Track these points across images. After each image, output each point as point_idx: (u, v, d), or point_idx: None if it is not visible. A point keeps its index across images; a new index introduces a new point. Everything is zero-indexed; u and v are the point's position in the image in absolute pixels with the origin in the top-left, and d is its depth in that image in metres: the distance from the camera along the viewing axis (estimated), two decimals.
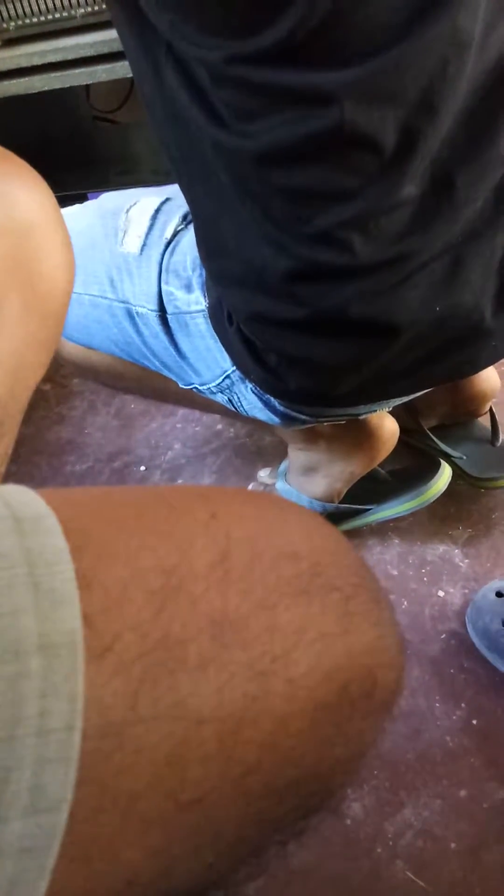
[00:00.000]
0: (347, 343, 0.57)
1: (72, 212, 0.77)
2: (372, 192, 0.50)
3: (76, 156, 1.32)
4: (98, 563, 0.26)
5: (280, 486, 0.86)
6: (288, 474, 0.86)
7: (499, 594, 0.74)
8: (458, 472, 0.85)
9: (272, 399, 0.67)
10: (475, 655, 0.74)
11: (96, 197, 1.21)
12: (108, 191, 1.20)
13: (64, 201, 1.26)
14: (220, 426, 1.06)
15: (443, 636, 0.76)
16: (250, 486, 0.93)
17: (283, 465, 0.88)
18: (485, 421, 0.89)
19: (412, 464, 0.86)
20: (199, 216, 0.61)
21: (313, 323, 0.57)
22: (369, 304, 0.55)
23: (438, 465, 0.80)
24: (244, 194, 0.54)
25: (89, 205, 0.77)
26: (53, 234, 0.42)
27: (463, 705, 0.71)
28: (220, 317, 0.64)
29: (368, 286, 0.54)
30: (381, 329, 0.56)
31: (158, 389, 0.80)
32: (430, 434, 0.86)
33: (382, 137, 0.47)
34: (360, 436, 0.75)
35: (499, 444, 0.86)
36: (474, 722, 0.70)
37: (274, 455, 0.99)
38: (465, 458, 0.86)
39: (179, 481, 1.00)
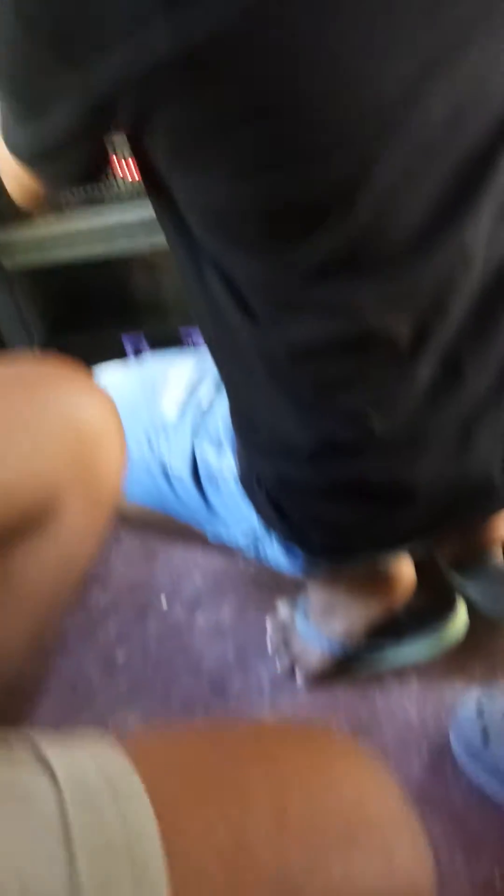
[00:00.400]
0: (367, 506, 0.63)
1: (116, 378, 0.84)
2: (388, 378, 0.56)
3: (111, 296, 1.41)
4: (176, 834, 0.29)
5: (300, 624, 0.90)
6: (307, 612, 0.89)
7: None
8: (473, 610, 0.89)
9: (296, 550, 0.71)
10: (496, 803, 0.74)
11: (129, 338, 1.31)
12: (140, 331, 1.31)
13: (99, 341, 1.36)
14: (239, 558, 1.10)
15: (464, 785, 0.77)
16: (268, 619, 0.96)
17: (301, 599, 0.92)
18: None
19: (428, 599, 0.89)
20: (230, 391, 0.68)
21: (336, 489, 0.63)
22: (387, 472, 0.61)
23: (454, 605, 0.83)
24: (273, 379, 0.60)
25: (132, 369, 0.85)
26: (115, 440, 0.49)
27: (485, 858, 0.71)
28: (250, 480, 0.69)
29: (385, 457, 0.60)
30: (398, 493, 0.62)
31: (185, 534, 0.85)
32: (446, 570, 0.90)
33: (398, 335, 0.54)
34: (379, 580, 0.79)
35: None
36: (497, 874, 0.70)
37: (293, 587, 1.03)
38: (480, 593, 0.89)
39: (198, 614, 1.04)
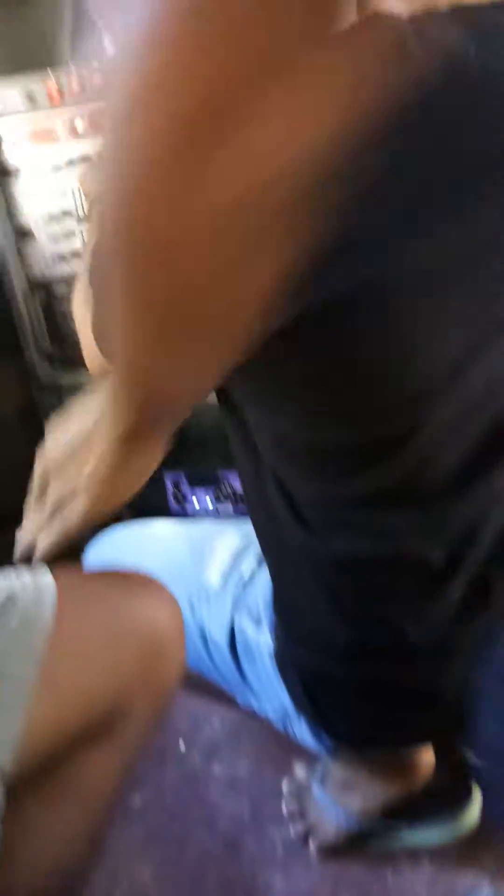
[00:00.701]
0: (395, 706, 0.68)
1: (169, 535, 0.92)
2: (422, 595, 0.63)
3: None
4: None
5: (316, 792, 0.92)
6: (325, 782, 0.92)
7: None
8: None
9: (323, 734, 0.76)
10: None
11: (171, 476, 1.40)
12: (181, 471, 1.39)
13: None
14: None
15: None
16: (285, 781, 0.98)
17: (319, 766, 0.95)
18: None
19: (446, 783, 0.91)
20: (275, 579, 0.74)
21: (366, 688, 0.68)
22: (415, 677, 0.66)
23: (470, 793, 0.86)
24: (318, 581, 0.67)
25: (183, 528, 0.92)
26: (178, 646, 0.55)
27: None
28: (285, 662, 0.75)
29: (415, 664, 0.65)
30: (424, 697, 0.67)
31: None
32: (465, 751, 0.93)
33: (433, 559, 0.61)
34: (399, 764, 0.83)
35: None
36: None
37: (311, 751, 1.05)
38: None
39: (215, 765, 1.06)
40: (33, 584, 0.51)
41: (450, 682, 0.66)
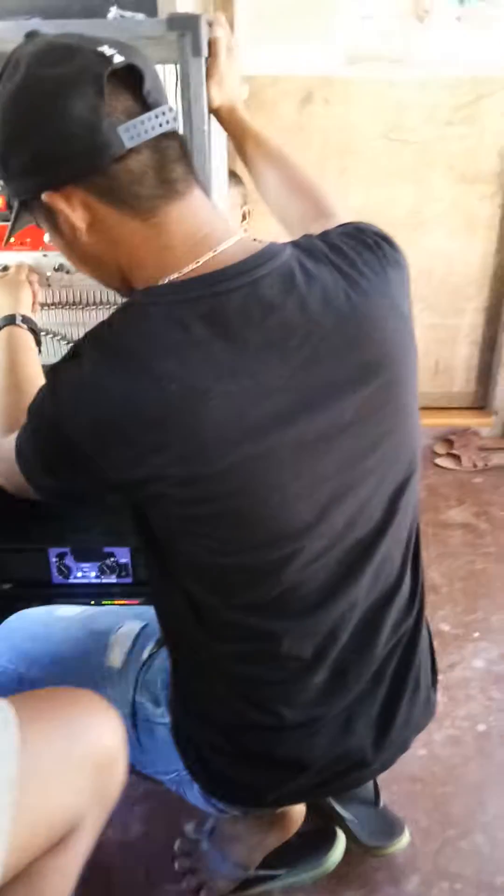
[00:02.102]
0: (273, 773, 0.81)
1: (70, 619, 1.00)
2: (295, 681, 0.77)
3: (41, 513, 1.56)
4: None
5: (205, 846, 1.03)
6: (213, 837, 1.03)
7: None
8: (349, 834, 1.06)
9: (213, 797, 0.88)
10: None
11: (54, 552, 1.46)
12: (65, 548, 1.46)
13: (23, 553, 1.49)
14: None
15: None
16: (178, 841, 1.08)
17: (208, 824, 1.06)
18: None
19: (313, 827, 1.05)
20: (175, 665, 0.86)
21: (249, 756, 0.81)
22: (289, 748, 0.80)
23: (335, 836, 1.01)
24: (211, 669, 0.80)
25: (82, 616, 1.01)
26: (123, 758, 0.64)
27: None
28: (180, 736, 0.86)
29: (289, 737, 0.79)
30: (295, 765, 0.81)
31: None
32: (328, 803, 1.08)
33: (304, 656, 0.76)
34: (276, 817, 0.96)
35: (380, 806, 1.09)
36: None
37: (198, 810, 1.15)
38: (355, 820, 1.07)
39: (110, 830, 1.13)
40: None
41: (316, 753, 0.80)
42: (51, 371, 0.70)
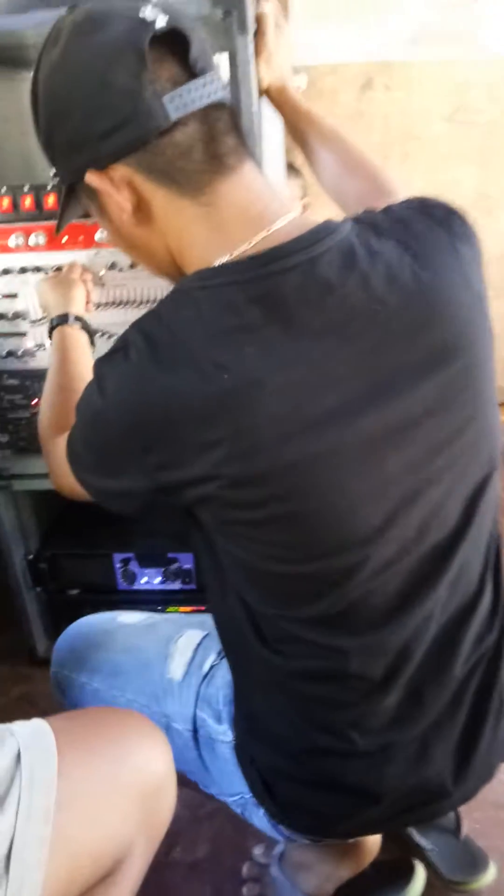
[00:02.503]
0: (344, 802, 0.74)
1: (131, 626, 0.96)
2: (365, 703, 0.70)
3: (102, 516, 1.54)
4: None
5: (274, 872, 0.97)
6: (282, 863, 0.97)
7: None
8: (428, 865, 0.98)
9: (279, 825, 0.81)
10: None
11: (119, 557, 1.44)
12: (129, 552, 1.44)
13: (88, 558, 1.48)
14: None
15: None
16: (246, 865, 1.02)
17: (277, 849, 1.00)
18: None
19: (391, 858, 0.97)
20: (236, 680, 0.80)
21: (319, 784, 0.74)
22: (360, 777, 0.72)
23: (414, 869, 0.92)
24: (275, 687, 0.74)
25: (145, 623, 0.97)
26: (173, 786, 0.59)
27: None
28: (244, 756, 0.80)
29: (359, 764, 0.72)
30: (366, 795, 0.73)
31: None
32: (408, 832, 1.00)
33: (374, 675, 0.69)
34: (349, 846, 0.89)
35: (462, 837, 1.00)
36: None
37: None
38: (435, 849, 0.99)
39: (178, 849, 1.09)
40: (34, 742, 0.55)
41: (389, 782, 0.72)
42: (97, 364, 0.66)
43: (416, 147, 2.02)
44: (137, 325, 0.64)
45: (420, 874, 0.92)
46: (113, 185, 0.63)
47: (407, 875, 0.91)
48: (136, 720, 0.62)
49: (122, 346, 0.63)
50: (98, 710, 0.63)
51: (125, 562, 1.46)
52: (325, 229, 0.62)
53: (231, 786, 0.84)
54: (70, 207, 0.70)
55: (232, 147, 0.63)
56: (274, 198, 0.65)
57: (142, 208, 0.64)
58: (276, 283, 0.59)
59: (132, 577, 1.47)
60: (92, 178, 0.63)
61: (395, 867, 0.95)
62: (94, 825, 0.53)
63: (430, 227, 0.66)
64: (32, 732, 0.56)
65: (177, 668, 0.89)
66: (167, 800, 0.60)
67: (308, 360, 0.59)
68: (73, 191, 0.68)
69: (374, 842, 0.89)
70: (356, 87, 1.99)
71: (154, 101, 0.59)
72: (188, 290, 0.62)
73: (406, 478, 0.63)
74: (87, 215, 0.74)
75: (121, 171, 0.62)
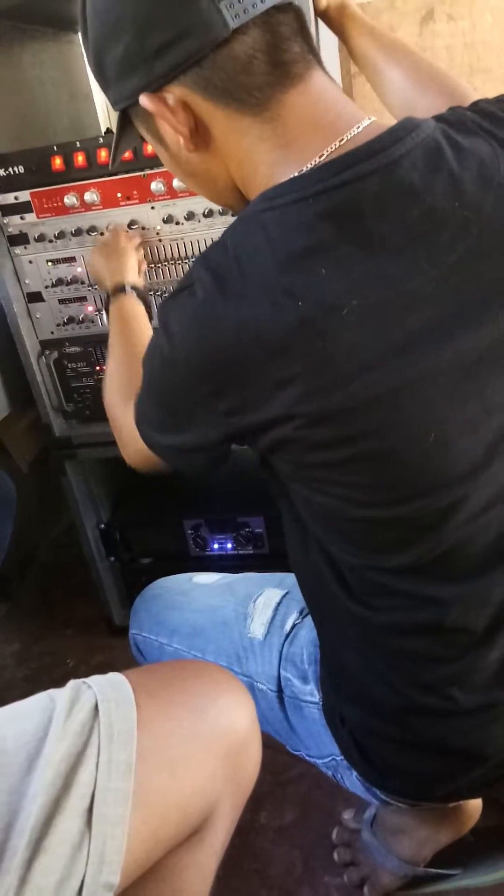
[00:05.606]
0: (444, 764, 0.69)
1: (208, 586, 0.93)
2: (467, 658, 0.65)
3: (176, 485, 1.52)
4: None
5: (366, 837, 0.93)
6: (375, 827, 0.93)
7: None
8: None
9: (373, 788, 0.77)
10: None
11: (189, 524, 1.42)
12: (199, 519, 1.41)
13: (159, 526, 1.46)
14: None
15: None
16: (335, 830, 0.99)
17: (368, 813, 0.96)
18: None
19: (495, 826, 0.92)
20: (323, 638, 0.76)
21: (416, 746, 0.69)
22: (463, 737, 0.67)
23: None
24: (364, 644, 0.69)
25: (222, 582, 0.94)
26: (258, 743, 0.56)
27: None
28: (334, 717, 0.76)
29: (464, 724, 0.67)
30: (470, 756, 0.68)
31: None
32: None
33: (476, 627, 0.63)
34: (448, 811, 0.84)
35: None
36: None
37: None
38: None
39: (263, 814, 1.07)
40: (112, 693, 0.52)
41: (494, 741, 0.67)
42: (161, 307, 0.61)
43: (483, 81, 1.89)
44: (202, 259, 0.59)
45: None
46: (167, 108, 0.58)
47: None
48: (216, 672, 0.59)
49: (188, 284, 0.58)
50: (177, 663, 0.60)
51: (196, 528, 1.44)
52: (406, 127, 0.55)
53: (320, 747, 0.81)
54: (125, 136, 0.66)
55: (298, 53, 0.57)
56: (348, 104, 0.58)
57: (200, 131, 0.59)
58: (349, 193, 0.53)
59: (204, 544, 1.45)
60: (145, 101, 0.58)
61: (498, 834, 0.89)
62: (177, 780, 0.50)
63: None
64: (109, 683, 0.54)
65: (258, 628, 0.85)
66: (253, 757, 0.56)
67: (390, 280, 0.53)
68: (126, 117, 0.63)
69: (475, 806, 0.84)
70: (416, 20, 1.87)
71: (210, 9, 0.53)
72: (254, 214, 0.57)
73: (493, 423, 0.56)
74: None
75: (176, 91, 0.57)
